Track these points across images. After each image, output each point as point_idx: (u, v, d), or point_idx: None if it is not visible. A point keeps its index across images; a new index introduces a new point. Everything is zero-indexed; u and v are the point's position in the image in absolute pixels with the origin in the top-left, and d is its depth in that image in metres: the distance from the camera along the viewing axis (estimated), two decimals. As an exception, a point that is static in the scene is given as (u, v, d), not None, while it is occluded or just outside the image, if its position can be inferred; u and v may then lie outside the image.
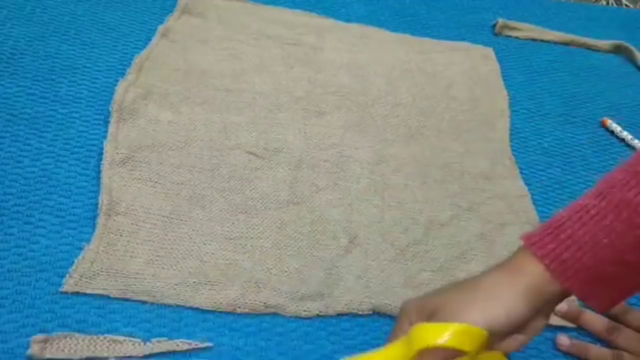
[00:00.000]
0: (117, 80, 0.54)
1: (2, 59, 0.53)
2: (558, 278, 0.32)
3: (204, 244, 0.44)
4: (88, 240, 0.42)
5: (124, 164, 0.47)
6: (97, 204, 0.45)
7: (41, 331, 0.37)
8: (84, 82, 0.54)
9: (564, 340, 0.44)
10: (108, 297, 0.40)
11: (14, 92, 0.51)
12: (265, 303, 0.42)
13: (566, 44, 0.76)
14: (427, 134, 0.59)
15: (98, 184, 0.46)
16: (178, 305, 0.41)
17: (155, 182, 0.47)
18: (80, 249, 0.42)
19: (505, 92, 0.67)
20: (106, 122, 0.51)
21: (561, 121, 0.65)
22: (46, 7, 0.59)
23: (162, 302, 0.40)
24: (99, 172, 0.47)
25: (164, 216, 0.45)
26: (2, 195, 0.44)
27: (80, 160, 0.48)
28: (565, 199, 0.56)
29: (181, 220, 0.45)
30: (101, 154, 0.48)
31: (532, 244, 0.33)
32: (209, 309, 0.41)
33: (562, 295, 0.33)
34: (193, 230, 0.45)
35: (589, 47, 0.77)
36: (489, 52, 0.72)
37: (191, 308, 0.41)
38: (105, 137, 0.49)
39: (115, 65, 0.56)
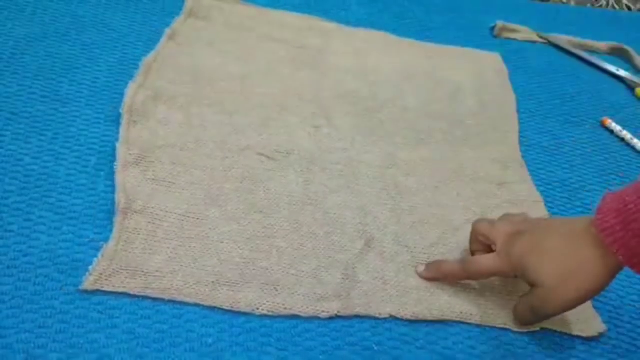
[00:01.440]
0: (118, 80, 0.55)
1: (3, 59, 0.53)
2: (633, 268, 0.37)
3: (221, 242, 0.44)
4: (88, 237, 0.42)
5: (137, 164, 0.47)
6: (96, 202, 0.45)
7: (40, 327, 0.37)
8: (85, 81, 0.54)
9: (419, 268, 0.46)
10: (107, 294, 0.40)
11: (15, 91, 0.51)
12: (284, 305, 0.42)
13: (563, 45, 0.77)
14: (437, 138, 0.59)
15: (98, 182, 0.46)
16: (197, 304, 0.41)
17: (170, 182, 0.47)
18: (80, 245, 0.42)
19: (514, 97, 0.67)
20: (106, 121, 0.51)
21: (561, 121, 0.65)
22: (47, 8, 0.60)
23: (181, 300, 0.40)
24: (99, 170, 0.47)
25: (180, 215, 0.45)
26: (3, 192, 0.44)
27: (81, 159, 0.48)
28: (566, 197, 0.56)
29: (198, 219, 0.45)
30: (101, 152, 0.48)
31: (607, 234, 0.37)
32: (228, 309, 0.41)
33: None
34: (210, 229, 0.45)
35: (587, 49, 0.77)
36: (497, 57, 0.72)
37: (200, 306, 0.40)
38: (105, 135, 0.50)
39: (115, 65, 0.56)
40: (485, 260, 0.43)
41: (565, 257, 0.39)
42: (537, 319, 0.42)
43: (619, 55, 0.77)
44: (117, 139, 0.49)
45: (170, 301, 0.40)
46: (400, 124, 0.59)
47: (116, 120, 0.51)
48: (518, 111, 0.65)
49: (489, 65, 0.71)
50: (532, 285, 0.41)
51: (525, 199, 0.54)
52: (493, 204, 0.53)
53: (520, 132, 0.62)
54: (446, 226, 0.50)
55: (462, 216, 0.51)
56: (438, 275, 0.45)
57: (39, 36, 0.57)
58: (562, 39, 0.77)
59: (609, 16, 0.86)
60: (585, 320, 0.45)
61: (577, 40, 0.77)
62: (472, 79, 0.67)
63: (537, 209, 0.54)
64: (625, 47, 0.77)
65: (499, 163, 0.58)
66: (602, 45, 0.77)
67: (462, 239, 0.49)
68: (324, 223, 0.48)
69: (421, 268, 0.46)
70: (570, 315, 0.44)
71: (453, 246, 0.49)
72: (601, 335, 0.45)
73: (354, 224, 0.48)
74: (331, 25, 0.70)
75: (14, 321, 0.37)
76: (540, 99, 0.68)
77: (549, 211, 0.54)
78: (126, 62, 0.57)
